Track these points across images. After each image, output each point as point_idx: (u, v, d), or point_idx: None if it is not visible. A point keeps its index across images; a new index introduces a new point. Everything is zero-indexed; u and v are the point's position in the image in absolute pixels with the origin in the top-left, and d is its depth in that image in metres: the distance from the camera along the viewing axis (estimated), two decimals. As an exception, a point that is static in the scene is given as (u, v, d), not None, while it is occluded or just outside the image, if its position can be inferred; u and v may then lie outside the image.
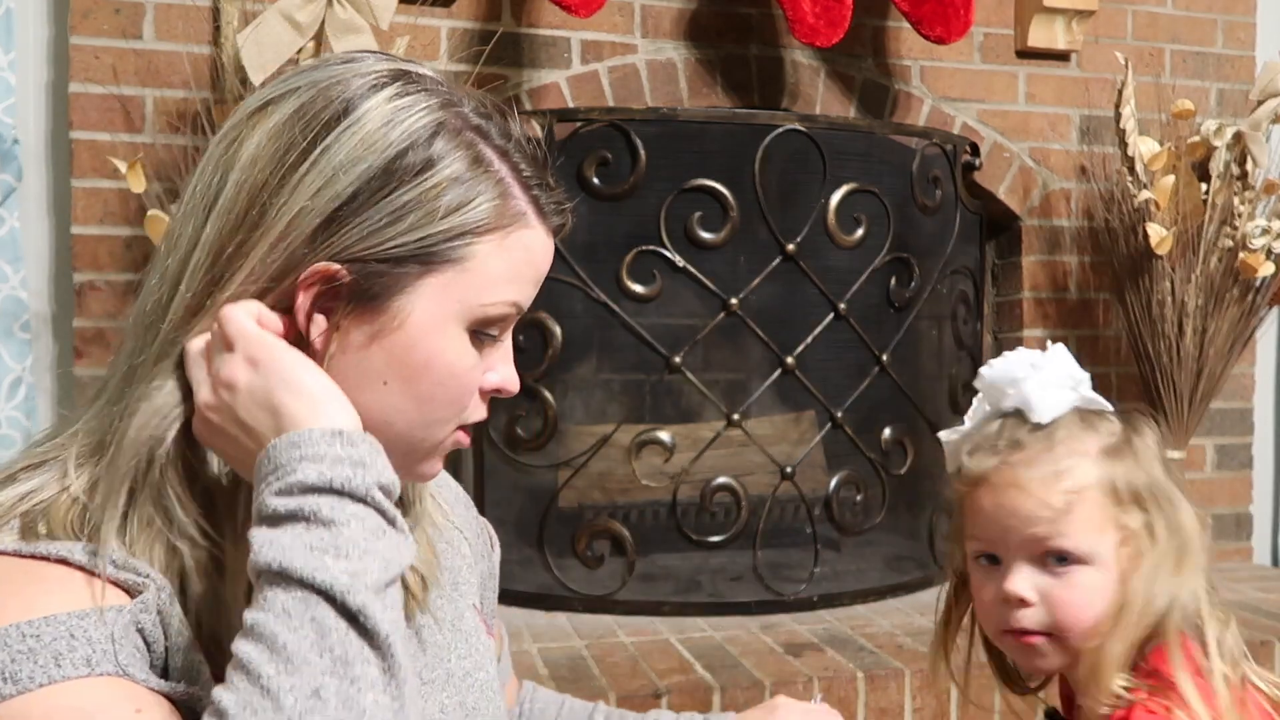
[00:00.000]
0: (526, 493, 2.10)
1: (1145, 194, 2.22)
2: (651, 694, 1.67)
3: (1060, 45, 2.46)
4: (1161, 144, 2.25)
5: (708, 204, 2.04)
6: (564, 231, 0.76)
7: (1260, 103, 2.23)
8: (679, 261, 2.03)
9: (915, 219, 2.23)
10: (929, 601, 2.20)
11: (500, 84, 2.14)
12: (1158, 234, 2.21)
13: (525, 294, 0.72)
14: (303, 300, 0.67)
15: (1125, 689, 0.83)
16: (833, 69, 2.35)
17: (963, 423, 0.93)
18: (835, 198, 2.10)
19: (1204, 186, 2.24)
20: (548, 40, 2.18)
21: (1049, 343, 0.91)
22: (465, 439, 0.74)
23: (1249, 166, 2.21)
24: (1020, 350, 0.91)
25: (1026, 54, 2.48)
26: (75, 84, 1.95)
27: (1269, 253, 2.25)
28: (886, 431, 2.23)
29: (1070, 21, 2.45)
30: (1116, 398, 2.74)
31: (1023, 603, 0.86)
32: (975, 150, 2.41)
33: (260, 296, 0.67)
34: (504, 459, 2.07)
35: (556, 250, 0.77)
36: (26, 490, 0.66)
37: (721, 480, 2.08)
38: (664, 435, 2.08)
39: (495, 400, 0.76)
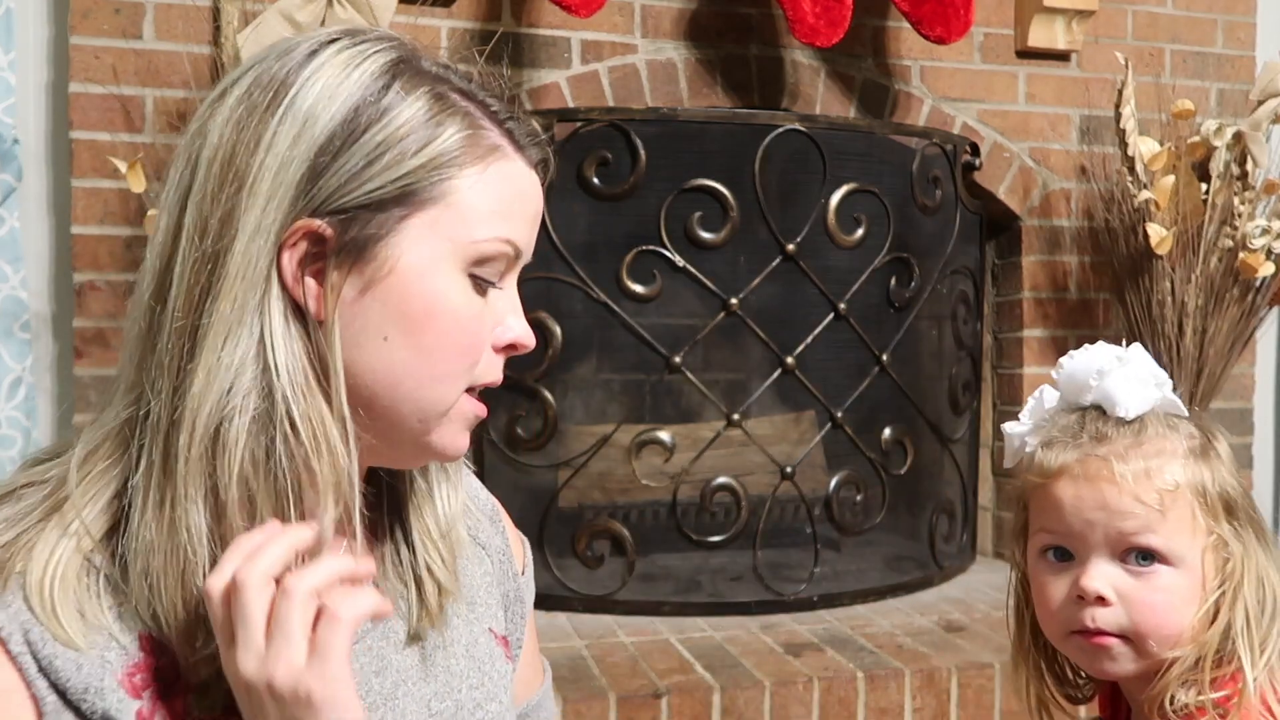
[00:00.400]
0: (526, 493, 2.10)
1: (1145, 194, 2.22)
2: (651, 694, 1.67)
3: (1060, 45, 2.46)
4: (1161, 144, 2.25)
5: (708, 204, 2.04)
6: (548, 169, 0.75)
7: (1260, 103, 2.23)
8: (679, 261, 2.03)
9: (915, 219, 2.23)
10: (929, 601, 2.20)
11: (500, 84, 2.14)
12: (1158, 234, 2.21)
13: (518, 231, 0.71)
14: (288, 262, 0.65)
15: (1192, 705, 0.79)
16: (833, 69, 2.35)
17: (1017, 419, 0.90)
18: (835, 198, 2.10)
19: (1204, 186, 2.24)
20: (548, 40, 2.18)
21: (1124, 341, 0.88)
22: (482, 410, 0.72)
23: (1249, 166, 2.21)
24: (1101, 344, 0.87)
25: (1026, 54, 2.48)
26: (75, 84, 1.95)
27: (1269, 253, 2.24)
28: (886, 431, 2.23)
29: (1070, 21, 2.45)
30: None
31: (1101, 601, 0.82)
32: (975, 150, 2.41)
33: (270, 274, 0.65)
34: (504, 459, 2.07)
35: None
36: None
37: (721, 480, 2.08)
38: (664, 435, 2.08)
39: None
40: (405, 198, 0.66)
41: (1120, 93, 2.24)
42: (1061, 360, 0.88)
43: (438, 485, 0.77)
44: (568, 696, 1.64)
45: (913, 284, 2.23)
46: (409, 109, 0.66)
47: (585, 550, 2.06)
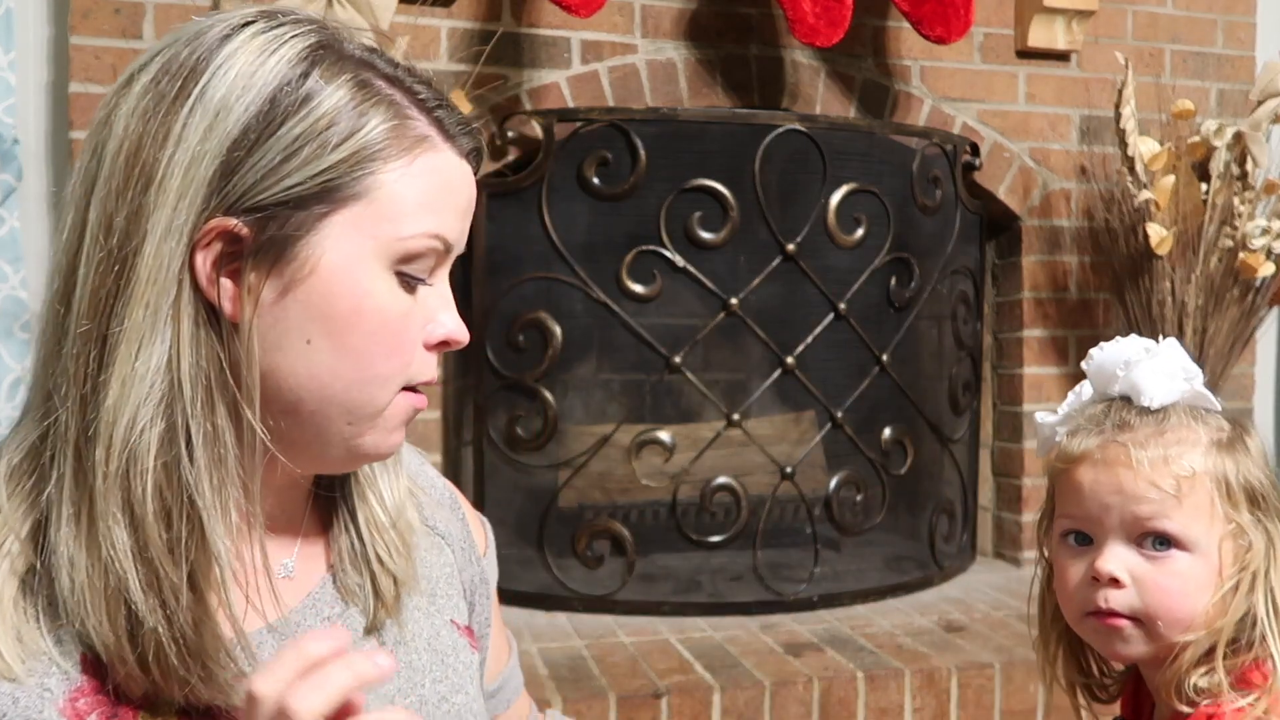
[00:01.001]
0: (526, 493, 2.10)
1: (1145, 194, 2.22)
2: (651, 694, 1.67)
3: (1060, 45, 2.46)
4: (1161, 144, 2.25)
5: (708, 204, 2.04)
6: (480, 159, 0.71)
7: (1260, 103, 2.23)
8: (679, 261, 2.03)
9: (915, 219, 2.23)
10: (929, 601, 2.20)
11: (500, 84, 2.14)
12: (1158, 234, 2.20)
13: (447, 224, 0.67)
14: (202, 263, 0.61)
15: (1206, 688, 0.80)
16: (833, 69, 2.35)
17: (1054, 413, 0.91)
18: (835, 198, 2.10)
19: (1204, 186, 2.24)
20: (548, 40, 2.18)
21: (1160, 337, 0.89)
22: (420, 401, 0.69)
23: (1249, 166, 2.21)
24: (1133, 337, 0.88)
25: (1026, 54, 2.48)
26: (75, 84, 1.95)
27: (1269, 253, 2.24)
28: (886, 431, 2.23)
29: (1070, 21, 2.45)
30: (1116, 398, 2.70)
31: (1114, 582, 0.83)
32: (975, 150, 2.41)
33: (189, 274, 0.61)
34: (504, 459, 2.07)
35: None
36: None
37: (721, 480, 2.08)
38: (664, 435, 2.08)
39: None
40: (326, 194, 0.62)
41: (1120, 93, 2.24)
42: (1091, 351, 0.90)
43: (380, 475, 0.75)
44: (568, 696, 1.64)
45: (913, 284, 2.23)
46: (329, 99, 0.63)
47: (585, 550, 2.06)
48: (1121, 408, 0.86)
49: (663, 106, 2.21)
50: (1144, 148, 2.24)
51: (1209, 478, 0.83)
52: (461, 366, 2.19)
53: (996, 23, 2.45)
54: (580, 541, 2.06)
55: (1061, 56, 2.49)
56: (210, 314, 0.62)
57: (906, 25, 2.26)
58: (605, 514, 2.09)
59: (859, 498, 2.19)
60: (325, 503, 0.74)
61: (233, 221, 0.61)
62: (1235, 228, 2.22)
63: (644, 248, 2.02)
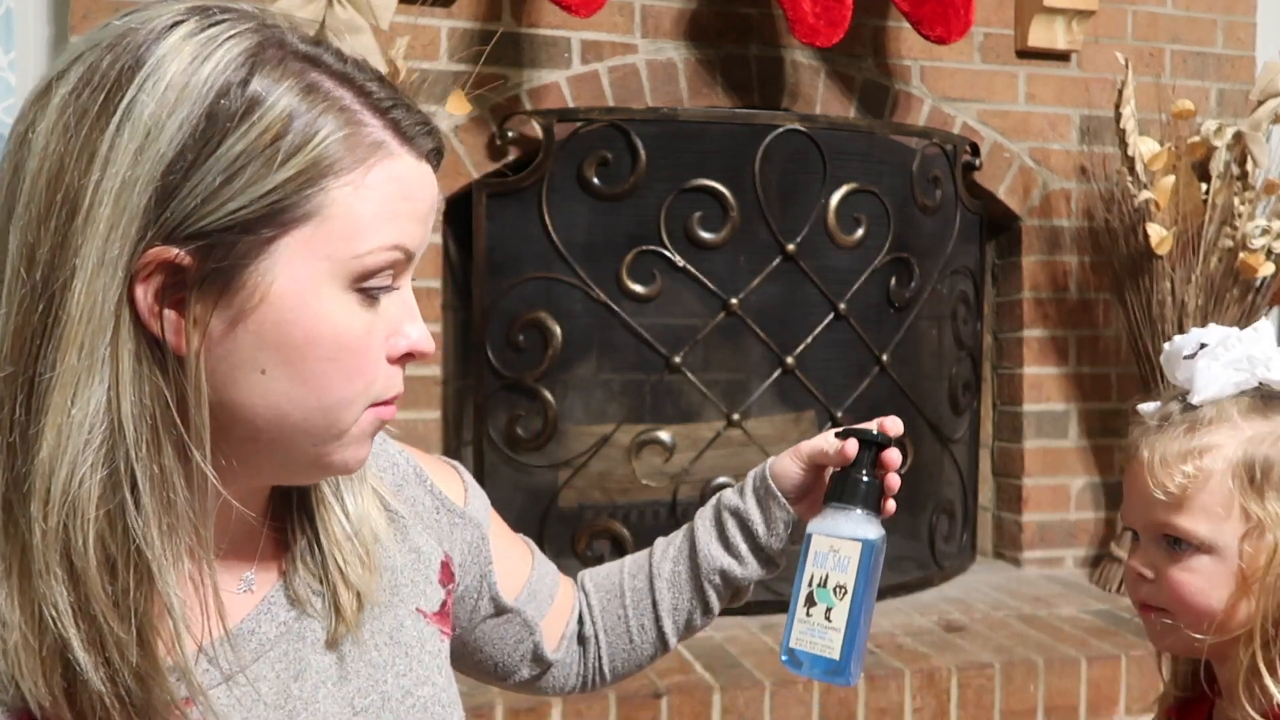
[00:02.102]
0: (526, 493, 2.10)
1: (1145, 194, 2.22)
2: (651, 694, 1.67)
3: (1060, 45, 2.46)
4: (1161, 144, 2.25)
5: (708, 204, 2.04)
6: (441, 157, 0.66)
7: (1260, 103, 2.23)
8: (679, 261, 2.03)
9: (915, 219, 2.23)
10: (929, 601, 2.20)
11: (500, 84, 2.14)
12: (1158, 234, 2.21)
13: (408, 232, 0.62)
14: (142, 295, 0.56)
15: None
16: (833, 69, 2.35)
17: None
18: (835, 198, 2.10)
19: (1204, 186, 2.24)
20: (548, 40, 2.18)
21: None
22: (387, 413, 0.65)
23: (1249, 166, 2.21)
24: (1212, 327, 0.87)
25: (1026, 54, 2.48)
26: (75, 84, 1.95)
27: (1269, 253, 2.24)
28: (886, 431, 2.23)
29: (1070, 21, 2.45)
30: (1116, 398, 2.73)
31: (1142, 576, 0.86)
32: (975, 150, 2.41)
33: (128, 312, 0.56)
34: (504, 459, 2.07)
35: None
36: None
37: (721, 480, 2.08)
38: (664, 435, 2.08)
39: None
40: (274, 216, 0.57)
41: (1120, 93, 2.24)
42: (1165, 344, 0.91)
43: (344, 484, 0.71)
44: (567, 696, 1.64)
45: (913, 284, 2.23)
46: (273, 109, 0.57)
47: (585, 550, 2.06)
48: (1175, 402, 0.87)
49: (663, 106, 2.21)
50: (1144, 148, 2.24)
51: (1227, 474, 0.82)
52: (461, 366, 2.19)
53: (996, 23, 2.45)
54: (580, 541, 2.06)
55: (1061, 56, 2.49)
56: (154, 348, 0.57)
57: (906, 25, 2.26)
58: (605, 514, 2.09)
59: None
60: (285, 511, 0.71)
61: (173, 251, 0.56)
62: (1235, 228, 2.22)
63: (644, 248, 2.02)
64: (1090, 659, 1.87)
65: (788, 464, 0.88)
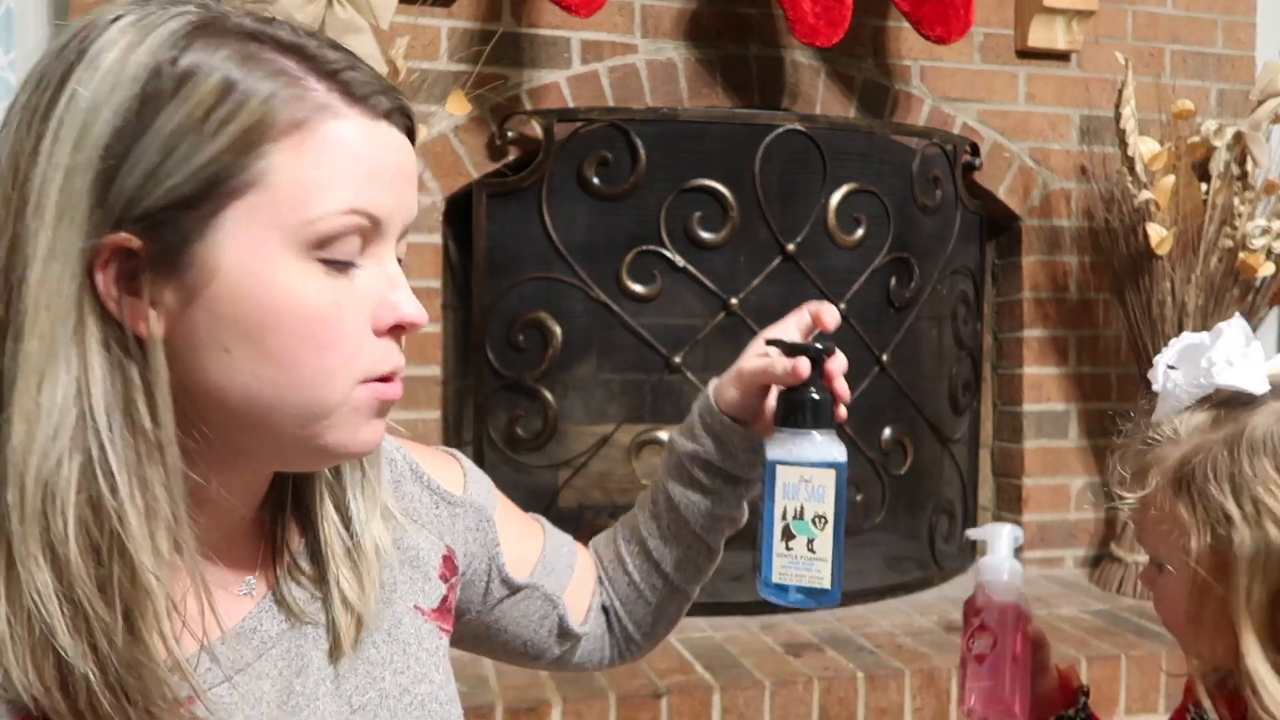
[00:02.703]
0: (526, 493, 2.10)
1: (1145, 194, 2.22)
2: (651, 694, 1.67)
3: (1060, 45, 2.46)
4: (1161, 144, 2.25)
5: (708, 204, 2.04)
6: (409, 118, 0.63)
7: (1260, 103, 2.23)
8: (679, 261, 2.03)
9: (915, 219, 2.24)
10: (929, 601, 2.20)
11: (500, 84, 2.14)
12: (1158, 234, 2.21)
13: (367, 196, 0.59)
14: (102, 283, 0.56)
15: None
16: (833, 69, 2.35)
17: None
18: (835, 198, 2.10)
19: (1204, 186, 2.24)
20: (548, 40, 2.18)
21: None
22: (388, 391, 0.63)
23: (1249, 166, 2.21)
24: (1227, 325, 0.80)
25: (1026, 54, 2.48)
26: (75, 84, 1.95)
27: (1269, 253, 2.24)
28: (886, 431, 2.23)
29: (1070, 21, 2.45)
30: (1116, 398, 2.73)
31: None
32: (975, 150, 2.41)
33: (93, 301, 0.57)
34: (504, 459, 2.07)
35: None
36: None
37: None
38: (664, 435, 2.08)
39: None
40: (213, 188, 0.56)
41: (1120, 93, 2.24)
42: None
43: (352, 496, 0.70)
44: (568, 696, 1.65)
45: (913, 284, 2.23)
46: (207, 81, 0.56)
47: (585, 550, 2.06)
48: (1145, 417, 0.85)
49: (663, 106, 2.21)
50: (1144, 148, 2.24)
51: (1169, 488, 0.78)
52: (461, 366, 2.19)
53: (996, 23, 2.45)
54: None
55: (1061, 56, 2.50)
56: (123, 334, 0.57)
57: (906, 25, 2.26)
58: (605, 514, 2.09)
59: (859, 498, 2.19)
60: (289, 515, 0.70)
61: (123, 235, 0.56)
62: (1235, 228, 2.22)
63: (644, 248, 2.02)
64: (1090, 659, 1.87)
65: (729, 391, 0.86)
